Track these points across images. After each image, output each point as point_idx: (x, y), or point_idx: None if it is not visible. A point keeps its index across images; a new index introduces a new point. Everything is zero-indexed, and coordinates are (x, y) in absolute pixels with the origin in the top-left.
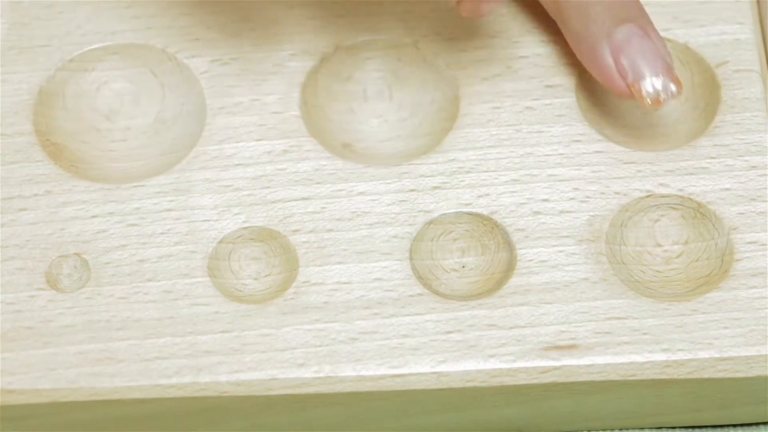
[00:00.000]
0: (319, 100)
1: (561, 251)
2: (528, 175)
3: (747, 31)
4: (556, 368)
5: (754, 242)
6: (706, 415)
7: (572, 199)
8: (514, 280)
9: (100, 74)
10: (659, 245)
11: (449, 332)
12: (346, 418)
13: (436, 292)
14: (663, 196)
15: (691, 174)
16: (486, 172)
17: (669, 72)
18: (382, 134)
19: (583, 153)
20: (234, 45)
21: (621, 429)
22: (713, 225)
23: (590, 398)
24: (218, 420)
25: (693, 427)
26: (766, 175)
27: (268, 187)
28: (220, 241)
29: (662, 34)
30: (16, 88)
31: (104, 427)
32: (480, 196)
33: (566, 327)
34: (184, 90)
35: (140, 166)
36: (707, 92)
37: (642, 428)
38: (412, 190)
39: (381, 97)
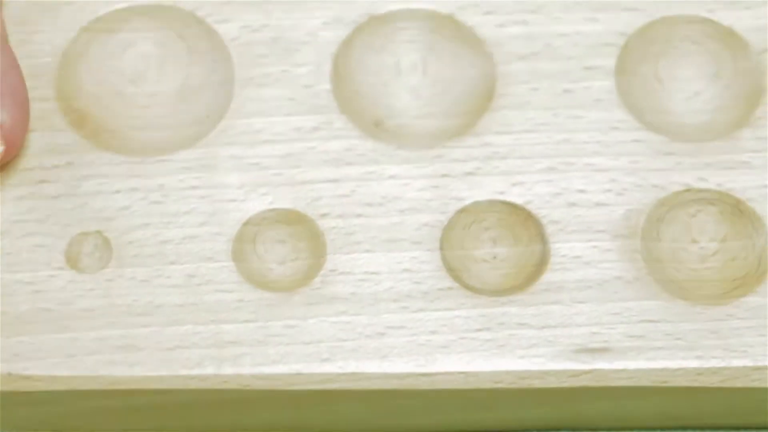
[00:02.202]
0: (351, 73)
1: (595, 247)
2: (564, 163)
3: None
4: (586, 372)
5: None
6: (745, 419)
7: (609, 191)
8: (547, 276)
9: (125, 36)
10: (695, 241)
11: (479, 330)
12: (371, 415)
13: (467, 285)
14: (701, 191)
15: (732, 168)
16: (521, 158)
17: None
18: (414, 110)
19: (622, 141)
20: (266, 11)
21: (660, 429)
22: (752, 223)
23: (623, 401)
24: (240, 411)
25: (736, 428)
26: None
27: (297, 167)
28: (246, 223)
29: (706, 15)
30: (38, 49)
31: (123, 415)
32: (514, 185)
33: (598, 329)
34: (212, 57)
35: (165, 136)
36: (751, 79)
37: (684, 429)
38: (445, 176)
39: (414, 71)
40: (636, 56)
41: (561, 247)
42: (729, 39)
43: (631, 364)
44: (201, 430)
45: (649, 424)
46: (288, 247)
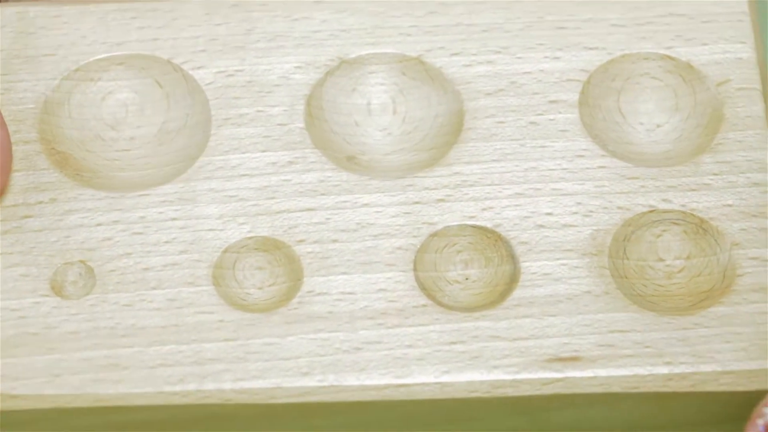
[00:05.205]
0: (323, 113)
1: (564, 264)
2: (532, 189)
3: (749, 50)
4: (558, 380)
5: (756, 258)
6: (713, 428)
7: (575, 213)
8: (518, 293)
9: (105, 84)
10: (661, 260)
11: (453, 343)
12: (350, 427)
13: (440, 304)
14: (665, 212)
15: (694, 190)
16: (490, 185)
17: None
18: (386, 147)
19: (587, 168)
20: (239, 57)
21: None
22: (715, 240)
23: (594, 410)
24: (222, 427)
25: None
26: (767, 192)
27: (273, 198)
28: (225, 251)
29: (665, 52)
30: (21, 97)
31: None
32: (484, 209)
33: (569, 339)
34: (189, 101)
35: (145, 175)
36: (710, 110)
37: None
38: (417, 203)
39: (385, 111)
40: (598, 91)
41: (531, 266)
42: (687, 73)
43: (602, 372)
44: None
45: (621, 431)
46: (266, 273)
